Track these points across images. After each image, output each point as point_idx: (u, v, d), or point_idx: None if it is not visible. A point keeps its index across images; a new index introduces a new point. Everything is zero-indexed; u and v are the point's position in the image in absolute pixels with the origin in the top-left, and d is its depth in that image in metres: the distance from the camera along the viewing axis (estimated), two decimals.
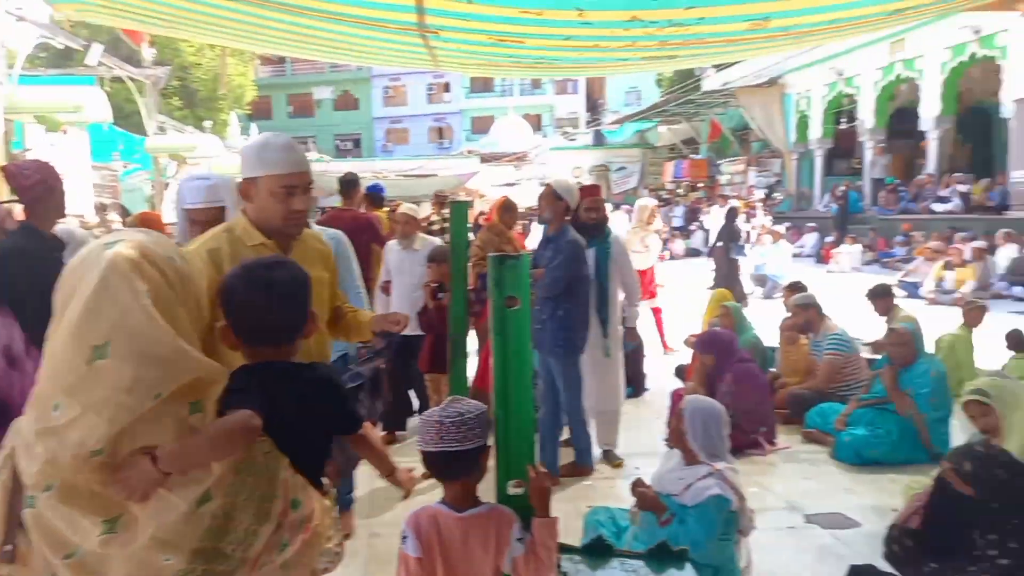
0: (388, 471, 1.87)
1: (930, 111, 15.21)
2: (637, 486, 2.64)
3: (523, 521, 1.74)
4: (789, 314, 5.55)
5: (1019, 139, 12.98)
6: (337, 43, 5.21)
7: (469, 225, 4.84)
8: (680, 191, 25.23)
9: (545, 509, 1.73)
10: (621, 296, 4.38)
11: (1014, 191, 13.24)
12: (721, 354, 4.54)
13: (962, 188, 14.55)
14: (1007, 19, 11.94)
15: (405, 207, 4.95)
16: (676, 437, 2.71)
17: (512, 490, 1.75)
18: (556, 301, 3.81)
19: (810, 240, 17.00)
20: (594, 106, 42.01)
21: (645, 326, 5.31)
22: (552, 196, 3.94)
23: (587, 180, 25.92)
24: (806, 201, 20.40)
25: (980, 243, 10.95)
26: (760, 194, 19.95)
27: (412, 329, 4.33)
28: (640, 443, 4.51)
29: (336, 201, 6.03)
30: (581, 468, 4.06)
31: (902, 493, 3.45)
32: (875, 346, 5.47)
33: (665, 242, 14.76)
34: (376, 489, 3.67)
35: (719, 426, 2.66)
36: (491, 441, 1.78)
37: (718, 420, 2.64)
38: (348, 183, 5.33)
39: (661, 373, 6.03)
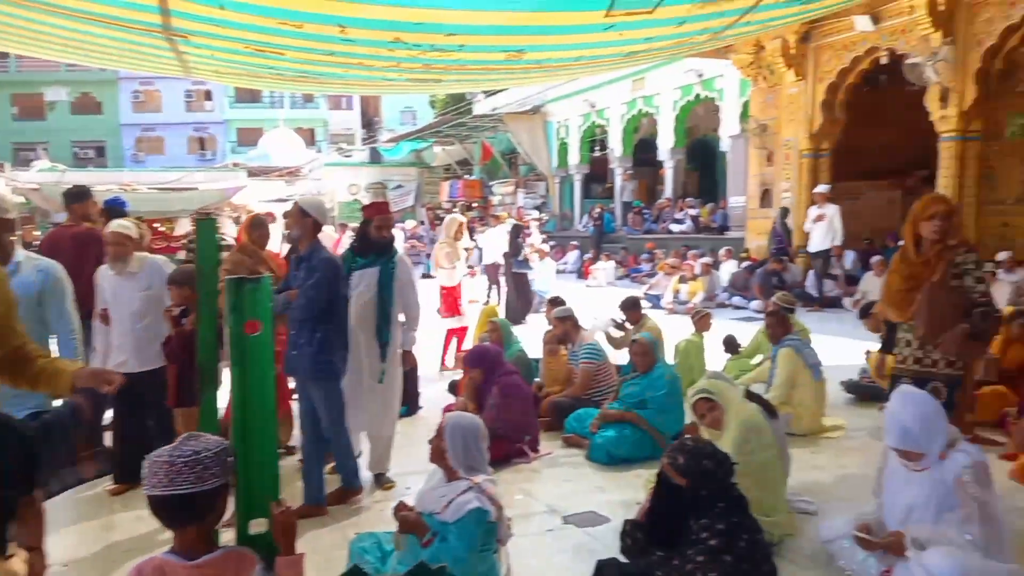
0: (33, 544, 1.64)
1: (666, 143, 17.30)
2: (399, 510, 2.63)
3: (268, 561, 1.64)
4: (550, 327, 5.93)
5: (735, 170, 15.23)
6: (70, 41, 4.60)
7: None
8: (456, 210, 25.96)
9: (290, 546, 1.65)
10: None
11: (732, 214, 15.50)
12: (489, 368, 4.71)
13: (692, 212, 16.71)
14: (722, 65, 14.03)
15: (116, 224, 4.07)
16: (437, 455, 2.74)
17: (254, 529, 1.64)
18: (314, 323, 3.65)
19: (572, 257, 18.42)
20: (370, 123, 41.72)
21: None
22: (299, 213, 3.76)
23: (364, 197, 25.67)
24: (568, 221, 22.05)
25: (707, 259, 12.63)
26: (536, 214, 21.23)
27: (145, 364, 3.91)
28: (413, 462, 4.48)
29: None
30: (349, 492, 3.94)
31: (643, 487, 3.84)
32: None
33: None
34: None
35: (478, 440, 2.75)
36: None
37: (476, 435, 2.72)
38: (73, 196, 4.68)
39: (436, 390, 6.10)
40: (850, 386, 5.99)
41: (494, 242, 11.28)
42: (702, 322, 6.16)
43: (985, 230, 11.02)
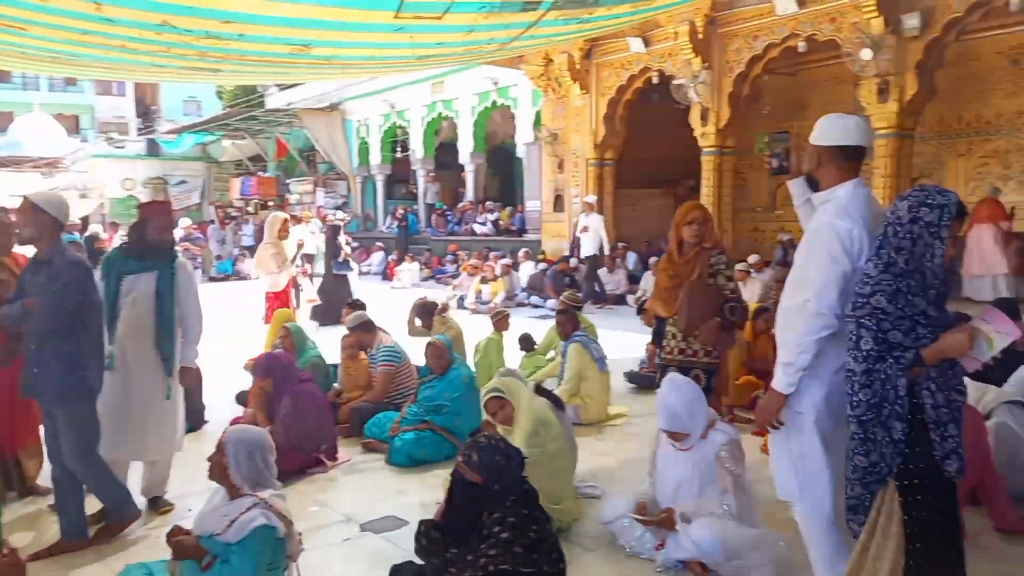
0: None
1: (466, 147, 17.68)
2: (173, 535, 2.41)
3: None
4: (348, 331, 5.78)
5: (530, 175, 15.94)
6: None
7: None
8: (250, 209, 24.44)
9: None
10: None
11: (529, 218, 16.23)
12: (280, 377, 4.48)
13: (492, 215, 17.25)
14: (516, 75, 14.63)
15: None
16: (218, 471, 2.55)
17: None
18: (60, 336, 3.19)
19: (377, 258, 18.15)
20: (146, 112, 37.88)
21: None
22: (31, 209, 3.24)
23: (141, 193, 23.22)
24: (371, 222, 21.71)
25: (507, 260, 13.10)
26: (342, 214, 20.55)
27: None
28: (196, 482, 4.13)
29: None
30: (118, 525, 3.52)
31: (443, 487, 3.87)
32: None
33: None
34: None
35: (264, 454, 2.60)
36: None
37: (262, 447, 2.57)
38: None
39: (222, 402, 5.68)
40: (631, 376, 6.52)
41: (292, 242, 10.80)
42: (500, 322, 6.36)
43: (739, 234, 12.58)
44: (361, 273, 16.92)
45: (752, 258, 9.97)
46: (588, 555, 3.34)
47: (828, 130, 2.53)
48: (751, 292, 8.51)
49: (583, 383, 5.33)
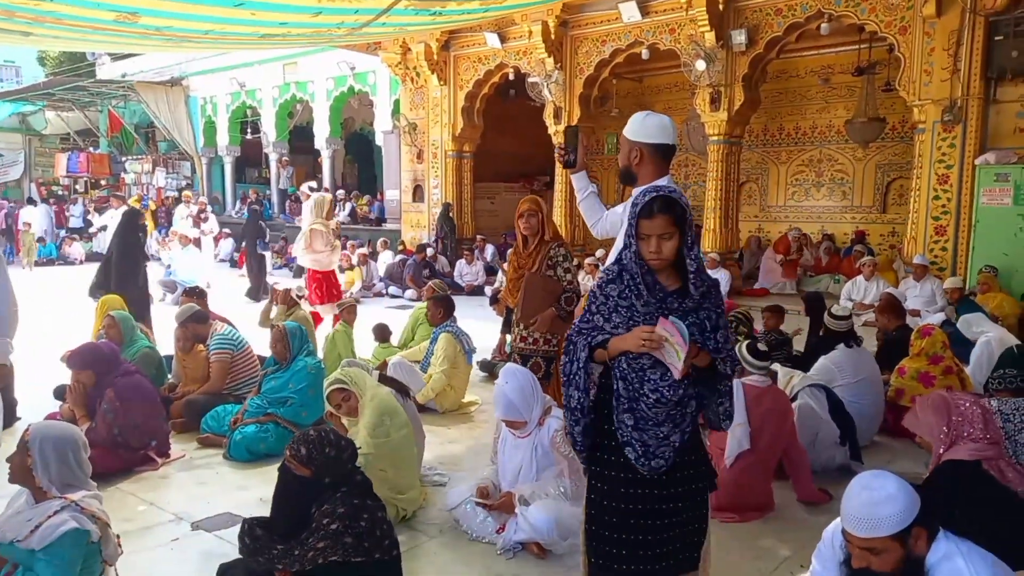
0: None
1: (322, 131, 17.09)
2: None
3: None
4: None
5: (389, 164, 15.73)
6: None
7: None
8: (79, 188, 22.22)
9: None
10: None
11: (388, 207, 16.02)
12: (102, 370, 4.14)
13: (349, 204, 16.84)
14: (375, 61, 14.35)
15: None
16: (21, 473, 2.34)
17: None
18: None
19: (226, 246, 17.11)
20: None
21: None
22: None
23: None
24: (219, 206, 20.46)
25: (364, 249, 12.86)
26: (192, 195, 19.07)
27: None
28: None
29: None
30: None
31: None
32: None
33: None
34: None
35: (77, 451, 2.41)
36: None
37: (73, 445, 2.39)
38: None
39: (38, 397, 5.17)
40: (483, 365, 6.65)
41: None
42: (348, 314, 6.25)
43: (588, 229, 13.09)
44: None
45: (599, 252, 10.48)
46: (431, 542, 3.39)
47: (648, 128, 2.69)
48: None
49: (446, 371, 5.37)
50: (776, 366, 4.56)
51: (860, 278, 8.93)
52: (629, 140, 2.70)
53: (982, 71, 8.08)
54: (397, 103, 14.69)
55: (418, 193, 14.18)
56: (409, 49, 12.81)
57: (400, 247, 13.55)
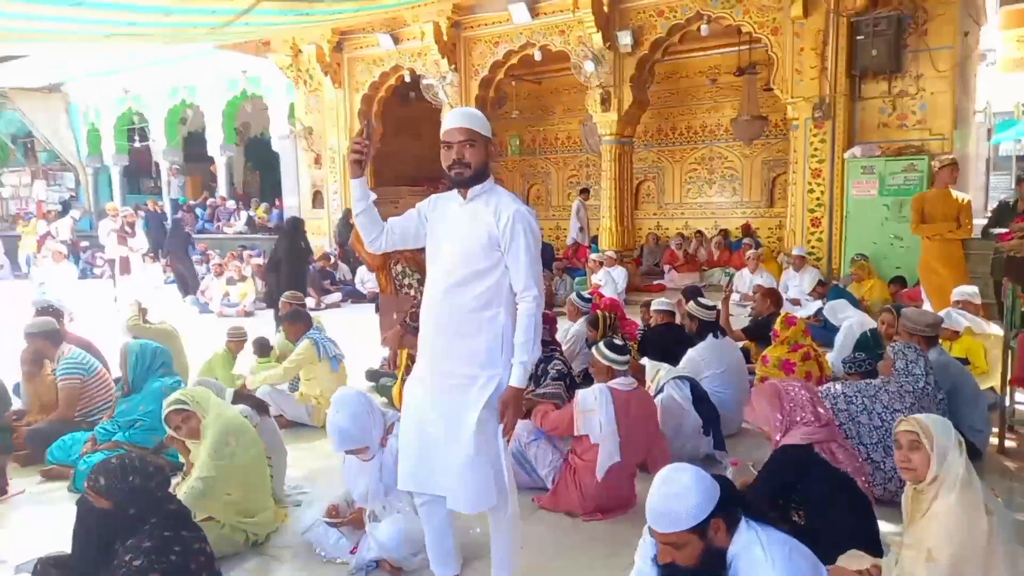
0: None
1: (215, 138, 16.40)
2: None
3: None
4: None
5: (287, 170, 15.24)
6: None
7: None
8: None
9: None
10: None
11: (288, 214, 15.50)
12: None
13: (250, 211, 16.24)
14: (267, 64, 13.86)
15: None
16: None
17: None
18: None
19: (155, 271, 16.12)
20: None
21: None
22: None
23: None
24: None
25: (258, 259, 12.38)
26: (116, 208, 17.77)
27: None
28: None
29: None
30: None
31: None
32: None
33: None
34: None
35: None
36: None
37: None
38: None
39: None
40: (370, 374, 6.48)
41: None
42: (233, 343, 5.98)
43: None
44: (94, 276, 15.01)
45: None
46: (282, 567, 3.22)
47: (486, 122, 2.51)
48: None
49: (313, 382, 5.17)
50: (645, 360, 4.61)
51: (745, 270, 9.25)
52: (482, 136, 2.52)
53: (847, 69, 8.51)
54: (292, 107, 14.25)
55: (318, 199, 13.81)
56: (300, 51, 12.44)
57: None
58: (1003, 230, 6.26)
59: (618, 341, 3.71)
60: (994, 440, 4.26)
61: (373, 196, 2.53)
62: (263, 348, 6.46)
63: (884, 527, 2.86)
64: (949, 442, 2.31)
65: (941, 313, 4.97)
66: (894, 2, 8.40)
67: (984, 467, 3.93)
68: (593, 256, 10.51)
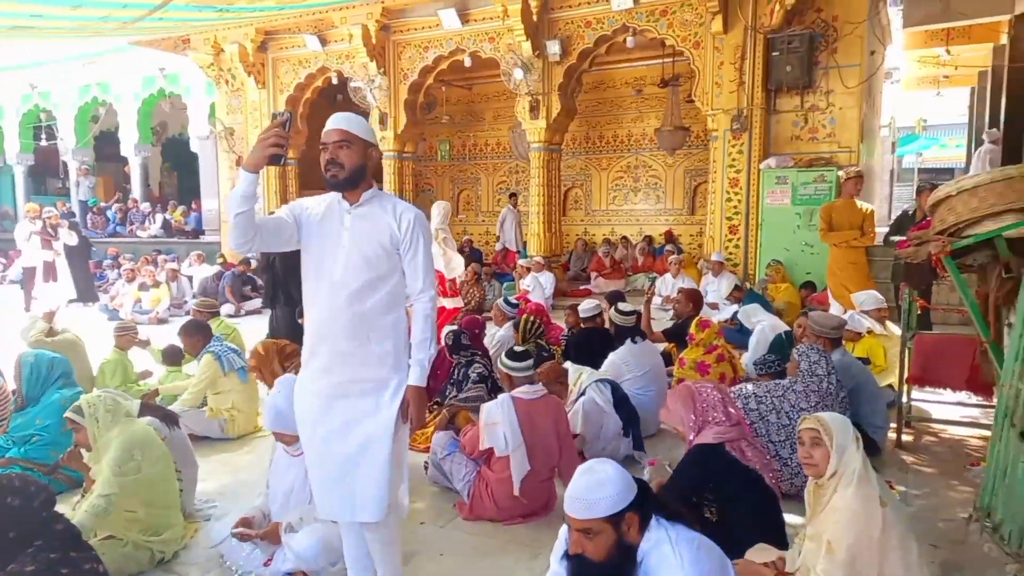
0: None
1: (129, 137, 15.68)
2: None
3: None
4: None
5: (207, 172, 14.73)
6: None
7: None
8: None
9: None
10: None
11: (207, 217, 14.98)
12: None
13: (166, 214, 15.59)
14: (187, 62, 13.36)
15: None
16: None
17: None
18: None
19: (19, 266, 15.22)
20: None
21: None
22: None
23: None
24: (9, 221, 18.21)
25: (173, 264, 11.89)
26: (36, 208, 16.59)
27: None
28: None
29: None
30: None
31: None
32: None
33: None
34: None
35: None
36: None
37: None
38: None
39: None
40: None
41: None
42: (122, 339, 5.69)
43: None
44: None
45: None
46: None
47: (365, 126, 2.46)
48: None
49: (223, 396, 4.99)
50: (568, 364, 4.67)
51: (668, 275, 9.50)
52: (361, 139, 2.49)
53: (763, 83, 8.87)
54: (213, 107, 13.78)
55: None
56: (223, 50, 12.04)
57: (220, 260, 12.70)
58: (902, 238, 6.64)
59: (518, 348, 3.73)
60: (892, 435, 4.51)
61: (259, 197, 2.45)
62: (174, 356, 6.19)
63: (790, 520, 2.98)
64: (847, 439, 2.43)
65: (844, 316, 5.24)
66: (807, 21, 8.82)
67: (883, 461, 4.16)
68: (521, 262, 10.57)
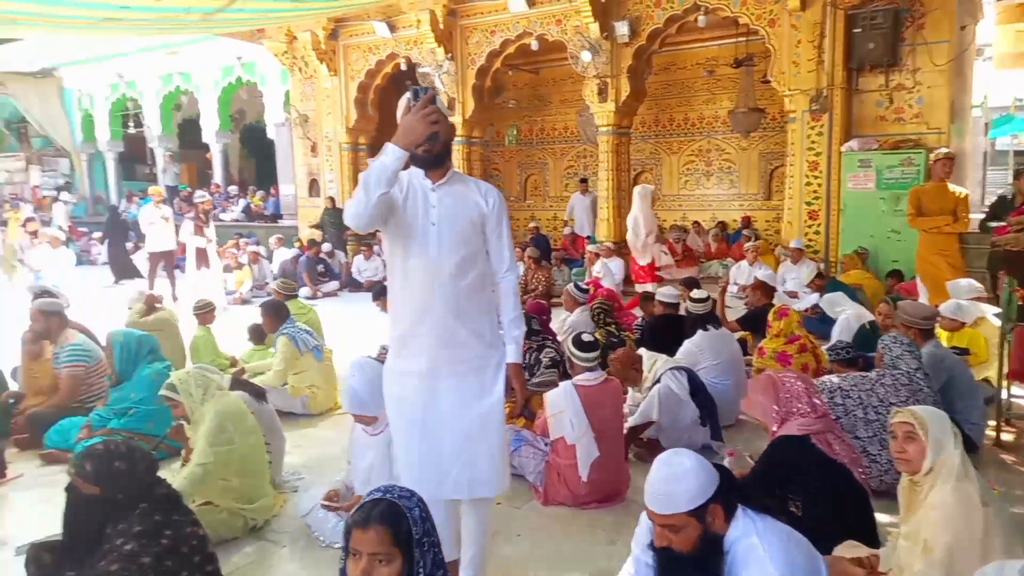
0: None
1: (210, 125, 16.29)
2: None
3: None
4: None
5: (283, 158, 15.17)
6: None
7: None
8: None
9: None
10: None
11: (284, 202, 15.46)
12: None
13: (241, 201, 16.17)
14: (262, 51, 13.77)
15: None
16: None
17: None
18: None
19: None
20: None
21: None
22: None
23: None
24: (102, 205, 19.25)
25: (256, 247, 12.35)
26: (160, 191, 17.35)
27: None
28: None
29: None
30: None
31: None
32: None
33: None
34: None
35: None
36: None
37: None
38: None
39: None
40: None
41: None
42: (203, 315, 5.96)
43: None
44: (89, 262, 14.94)
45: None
46: (281, 551, 3.24)
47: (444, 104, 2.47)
48: None
49: (302, 375, 5.17)
50: (642, 350, 4.63)
51: (744, 262, 9.27)
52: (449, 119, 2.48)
53: (844, 62, 8.50)
54: (288, 94, 14.17)
55: (314, 187, 13.74)
56: (295, 38, 12.35)
57: (297, 244, 13.10)
58: (1000, 223, 6.28)
59: (587, 337, 3.72)
60: (990, 433, 4.29)
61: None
62: (259, 334, 6.46)
63: (881, 518, 2.89)
64: (944, 434, 2.32)
65: (947, 305, 4.98)
66: None
67: (981, 460, 3.96)
68: (590, 247, 10.50)
